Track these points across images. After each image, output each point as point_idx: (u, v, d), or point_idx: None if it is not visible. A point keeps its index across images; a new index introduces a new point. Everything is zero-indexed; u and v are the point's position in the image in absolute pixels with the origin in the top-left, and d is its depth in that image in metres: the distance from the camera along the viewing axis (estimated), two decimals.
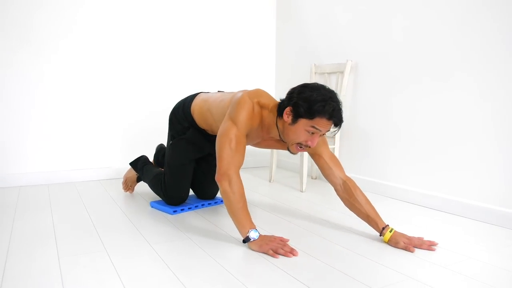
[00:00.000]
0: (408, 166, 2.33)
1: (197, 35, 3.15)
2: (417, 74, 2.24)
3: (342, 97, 2.65)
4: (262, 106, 1.66)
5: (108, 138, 2.89)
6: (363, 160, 2.63)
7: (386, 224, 1.65)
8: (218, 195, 2.31)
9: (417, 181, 2.28)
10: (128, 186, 2.42)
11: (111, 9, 2.83)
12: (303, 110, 1.51)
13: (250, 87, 3.40)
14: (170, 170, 2.05)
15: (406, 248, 1.54)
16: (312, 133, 1.54)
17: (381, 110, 2.48)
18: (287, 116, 1.57)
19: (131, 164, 2.38)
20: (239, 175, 1.57)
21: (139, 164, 2.32)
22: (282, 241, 1.52)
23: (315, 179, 2.97)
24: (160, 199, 2.23)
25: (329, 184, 2.70)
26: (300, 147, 1.61)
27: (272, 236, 1.55)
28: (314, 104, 1.49)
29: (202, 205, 2.12)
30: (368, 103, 2.56)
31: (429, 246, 1.56)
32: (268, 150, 3.54)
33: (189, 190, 2.10)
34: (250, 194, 2.50)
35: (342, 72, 2.68)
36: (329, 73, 2.83)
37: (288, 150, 1.66)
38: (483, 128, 1.94)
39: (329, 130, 1.57)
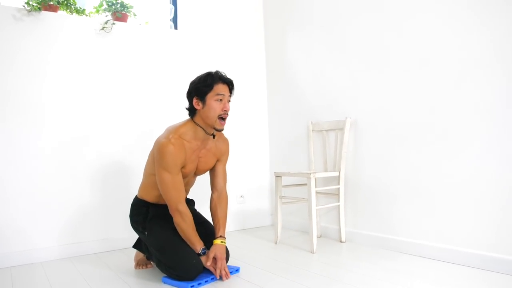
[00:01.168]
0: (417, 220, 2.33)
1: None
2: (419, 127, 2.31)
3: (343, 153, 2.68)
4: (181, 134, 1.97)
5: (103, 208, 2.77)
6: (370, 215, 2.61)
7: (223, 236, 2.09)
8: (230, 264, 2.21)
9: (428, 234, 2.27)
10: (142, 267, 2.28)
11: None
12: (203, 88, 1.94)
13: (242, 151, 3.40)
14: (163, 252, 2.00)
15: (208, 260, 1.98)
16: (220, 100, 1.95)
17: (384, 165, 2.51)
18: (197, 104, 1.97)
19: (134, 247, 2.26)
20: (186, 207, 1.97)
21: (143, 245, 2.20)
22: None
23: (320, 237, 2.92)
24: None
25: (340, 244, 2.68)
26: (222, 120, 1.98)
27: (216, 259, 1.99)
28: (205, 80, 1.96)
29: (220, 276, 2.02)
30: (371, 158, 2.59)
31: (219, 273, 1.97)
32: (265, 206, 3.48)
33: (195, 256, 1.98)
34: (256, 257, 2.43)
35: (341, 129, 2.72)
36: (327, 130, 2.87)
37: (216, 130, 2.00)
38: (491, 180, 1.98)
39: (230, 94, 2.01)
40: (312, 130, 2.97)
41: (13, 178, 2.48)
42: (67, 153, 2.66)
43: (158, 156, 1.92)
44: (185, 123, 2.02)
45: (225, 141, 2.21)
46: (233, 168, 3.32)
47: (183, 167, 1.98)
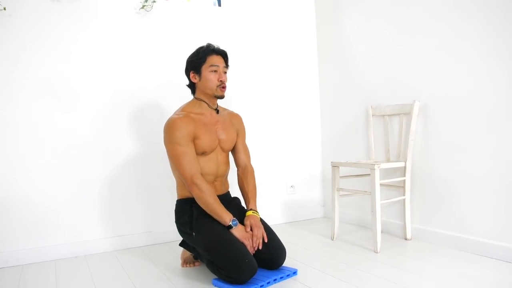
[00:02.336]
0: (498, 218, 2.01)
1: (239, 78, 2.93)
2: (505, 113, 1.96)
3: (410, 141, 2.37)
4: (185, 109, 2.01)
5: (148, 200, 2.62)
6: (440, 211, 2.31)
7: (254, 208, 2.01)
8: (286, 264, 2.00)
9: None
10: (189, 265, 2.13)
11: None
12: (197, 61, 1.99)
13: (292, 138, 3.16)
14: (213, 251, 1.81)
15: (246, 227, 1.89)
16: (215, 70, 1.98)
17: (460, 155, 2.19)
18: (194, 78, 2.02)
19: (181, 245, 2.09)
20: (202, 178, 1.89)
21: (190, 244, 2.02)
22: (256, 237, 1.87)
23: (381, 233, 2.64)
24: None
25: (405, 241, 2.41)
26: (222, 87, 2.00)
27: (250, 233, 1.87)
28: (198, 53, 2.00)
29: (275, 280, 1.80)
30: (444, 147, 2.27)
31: (256, 241, 1.84)
32: (317, 197, 3.23)
33: (249, 253, 1.79)
34: (313, 256, 2.21)
35: (407, 114, 2.41)
36: (390, 115, 2.56)
37: (217, 97, 2.03)
38: None
39: (226, 66, 2.02)
40: (372, 115, 2.67)
41: (57, 170, 2.37)
42: (111, 144, 2.51)
43: (167, 133, 1.93)
44: (188, 103, 2.07)
45: (238, 116, 2.22)
46: (282, 156, 3.09)
47: (197, 138, 1.94)
